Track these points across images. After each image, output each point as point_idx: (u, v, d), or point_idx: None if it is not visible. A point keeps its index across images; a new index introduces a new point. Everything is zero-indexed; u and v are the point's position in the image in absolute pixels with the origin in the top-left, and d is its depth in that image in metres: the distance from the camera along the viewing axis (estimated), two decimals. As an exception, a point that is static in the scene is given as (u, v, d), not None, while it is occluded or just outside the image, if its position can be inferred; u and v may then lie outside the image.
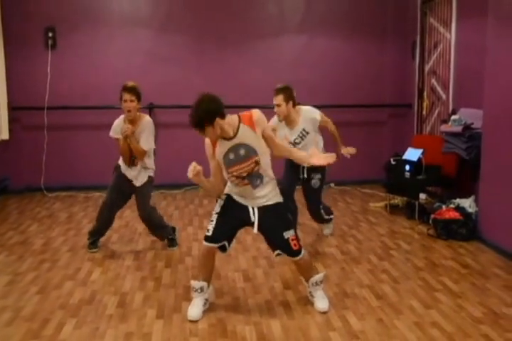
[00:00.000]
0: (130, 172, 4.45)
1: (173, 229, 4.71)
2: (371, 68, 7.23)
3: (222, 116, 3.13)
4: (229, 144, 3.20)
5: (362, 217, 5.64)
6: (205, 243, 3.32)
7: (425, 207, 5.40)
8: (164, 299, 3.59)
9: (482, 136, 4.82)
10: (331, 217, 4.87)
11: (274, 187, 3.37)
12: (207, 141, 3.28)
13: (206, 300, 3.42)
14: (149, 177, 4.50)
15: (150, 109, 6.73)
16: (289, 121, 4.31)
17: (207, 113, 3.08)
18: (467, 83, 5.59)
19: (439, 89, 6.31)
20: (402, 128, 7.27)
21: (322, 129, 4.53)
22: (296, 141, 4.32)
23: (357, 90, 7.16)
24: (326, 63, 7.13)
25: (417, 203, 5.43)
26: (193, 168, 3.12)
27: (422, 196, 5.36)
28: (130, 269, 4.17)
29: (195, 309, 3.33)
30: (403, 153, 5.77)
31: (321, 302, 3.42)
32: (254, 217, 3.30)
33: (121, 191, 4.50)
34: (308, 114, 4.33)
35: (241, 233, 4.87)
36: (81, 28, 6.75)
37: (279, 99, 4.20)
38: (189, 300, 3.44)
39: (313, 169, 4.38)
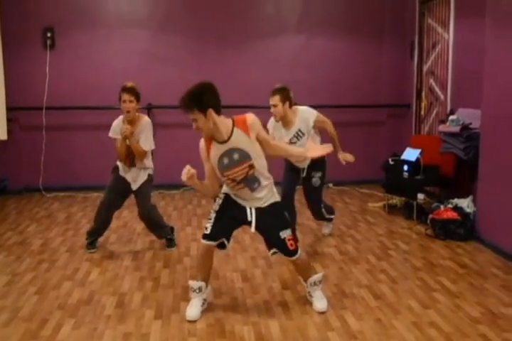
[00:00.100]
0: (129, 174, 4.45)
1: (172, 229, 4.71)
2: (369, 68, 7.24)
3: (217, 111, 3.10)
4: (223, 148, 3.19)
5: (360, 217, 5.65)
6: (203, 241, 3.33)
7: (423, 207, 5.41)
8: (163, 299, 3.60)
9: (480, 136, 4.83)
10: (333, 216, 4.87)
11: (271, 187, 3.37)
12: (201, 144, 3.28)
13: (204, 300, 3.42)
14: (149, 175, 4.51)
15: (148, 109, 6.72)
16: (285, 121, 4.30)
17: (199, 97, 3.05)
18: (465, 83, 5.60)
19: (437, 89, 6.32)
20: (401, 129, 7.28)
21: (322, 131, 4.51)
22: (292, 140, 4.31)
23: (355, 90, 7.17)
24: (324, 63, 7.13)
25: (415, 203, 5.44)
26: (186, 171, 3.11)
27: (420, 196, 5.37)
28: (128, 269, 4.17)
29: (193, 309, 3.33)
30: (401, 153, 5.77)
31: (320, 303, 3.43)
32: (252, 217, 3.31)
33: (119, 191, 4.50)
34: (305, 115, 4.32)
35: (239, 233, 4.90)
36: (80, 28, 6.75)
37: (275, 100, 4.20)
38: (188, 300, 3.44)
39: (314, 167, 4.38)
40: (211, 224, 3.31)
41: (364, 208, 6.07)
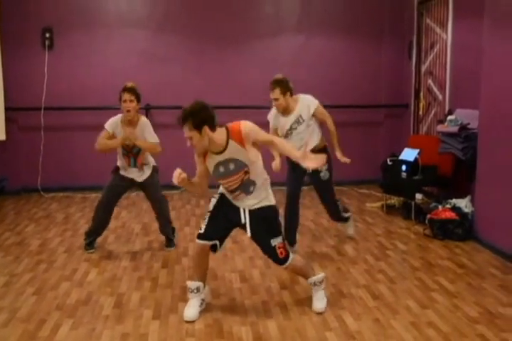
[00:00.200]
0: (132, 172, 4.47)
1: (173, 229, 4.72)
2: (368, 68, 7.25)
3: (212, 128, 3.09)
4: (218, 158, 3.19)
5: (358, 217, 5.64)
6: (197, 241, 3.33)
7: (421, 207, 5.41)
8: (161, 299, 3.60)
9: (478, 136, 4.84)
10: (349, 214, 4.79)
11: (267, 187, 3.35)
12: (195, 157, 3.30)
13: (202, 300, 3.42)
14: (153, 166, 4.55)
15: (147, 109, 6.72)
16: (287, 110, 4.26)
17: (194, 116, 3.04)
18: (463, 83, 5.61)
19: (435, 89, 6.32)
20: (399, 129, 7.28)
21: (323, 128, 4.47)
22: (293, 126, 4.26)
23: (354, 90, 7.18)
24: (323, 63, 7.14)
25: (413, 203, 5.44)
26: (178, 175, 3.13)
27: (419, 196, 5.37)
28: (127, 270, 4.17)
29: (191, 309, 3.33)
30: (400, 153, 5.78)
31: (318, 303, 3.43)
32: (245, 219, 3.30)
33: (118, 191, 4.52)
34: (306, 102, 4.29)
35: (237, 233, 4.88)
36: (78, 29, 6.75)
37: (276, 94, 4.15)
38: (186, 300, 3.44)
39: None
40: (205, 223, 3.31)
41: (362, 208, 6.07)
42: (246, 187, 3.25)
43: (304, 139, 4.21)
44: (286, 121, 4.28)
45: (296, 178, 4.45)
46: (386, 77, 7.27)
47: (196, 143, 3.10)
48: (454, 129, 5.19)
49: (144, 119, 4.42)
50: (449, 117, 5.39)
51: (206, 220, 3.33)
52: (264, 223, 3.30)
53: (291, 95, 4.24)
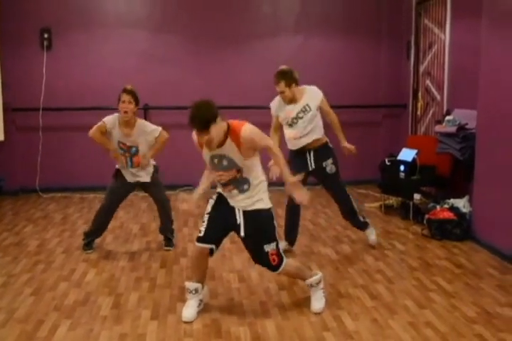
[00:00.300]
0: (134, 173, 4.47)
1: (172, 229, 4.73)
2: (366, 68, 7.26)
3: (216, 124, 3.09)
4: (214, 151, 3.20)
5: (357, 218, 5.64)
6: (197, 244, 3.32)
7: (419, 208, 5.42)
8: (159, 300, 3.59)
9: (476, 136, 4.84)
10: (366, 220, 4.64)
11: (262, 190, 3.29)
12: (194, 136, 3.28)
13: (201, 300, 3.42)
14: (154, 166, 4.57)
15: (145, 109, 6.72)
16: (293, 100, 4.23)
17: (206, 116, 3.04)
18: (461, 84, 5.61)
19: (433, 89, 6.33)
20: (397, 129, 7.29)
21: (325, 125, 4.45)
22: (299, 115, 4.21)
23: (352, 90, 7.18)
24: (321, 64, 7.14)
25: (411, 203, 5.45)
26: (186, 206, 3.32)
27: (417, 196, 5.38)
28: (125, 270, 4.17)
29: (189, 310, 3.33)
30: (398, 154, 5.78)
31: (316, 304, 3.43)
32: (240, 219, 3.28)
33: (121, 194, 4.54)
34: (313, 93, 4.27)
35: (235, 233, 4.89)
36: (77, 29, 6.75)
37: (281, 87, 4.13)
38: (184, 300, 3.44)
39: (320, 156, 4.27)
40: (204, 226, 3.30)
41: (360, 208, 6.05)
42: (239, 183, 3.23)
43: (307, 129, 4.21)
44: (293, 109, 4.22)
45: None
46: (384, 77, 7.28)
47: (208, 138, 3.08)
48: (452, 129, 5.19)
49: (140, 122, 4.44)
50: (447, 117, 5.40)
51: (205, 223, 3.31)
52: (258, 227, 3.27)
53: (297, 85, 4.21)
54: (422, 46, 6.65)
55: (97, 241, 4.72)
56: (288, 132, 4.31)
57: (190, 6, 6.90)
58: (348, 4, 7.14)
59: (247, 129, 3.12)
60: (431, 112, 6.41)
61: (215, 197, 3.38)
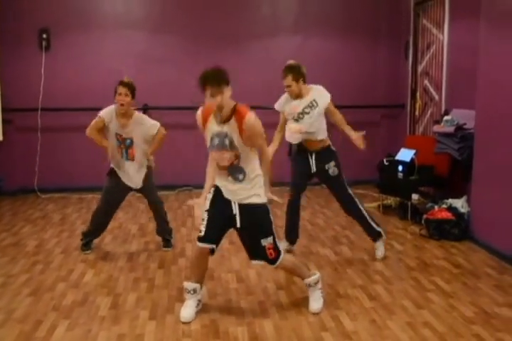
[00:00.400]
0: (126, 174, 4.44)
1: (170, 230, 4.74)
2: (364, 69, 7.26)
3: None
4: (217, 129, 3.18)
5: (355, 218, 5.65)
6: (198, 244, 3.31)
7: (418, 208, 5.42)
8: (157, 300, 3.59)
9: (474, 136, 4.85)
10: (380, 230, 4.37)
11: (258, 185, 3.28)
12: (198, 113, 3.27)
13: (199, 301, 3.42)
14: (148, 167, 4.52)
15: (144, 110, 6.72)
16: (300, 95, 4.20)
17: (224, 74, 3.14)
18: (460, 84, 5.62)
19: (431, 89, 6.34)
20: (395, 129, 7.29)
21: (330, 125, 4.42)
22: (306, 110, 4.17)
23: (350, 90, 7.17)
24: (319, 64, 7.13)
25: (409, 203, 5.45)
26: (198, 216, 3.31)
27: (415, 196, 5.39)
28: (123, 270, 4.17)
29: (187, 310, 3.33)
30: (396, 154, 5.79)
31: (314, 304, 3.43)
32: (236, 210, 3.27)
33: (118, 193, 4.50)
34: (320, 91, 4.25)
35: (234, 234, 4.89)
36: (75, 30, 6.74)
37: (288, 80, 4.11)
38: (182, 301, 3.43)
39: (322, 159, 4.24)
40: (205, 225, 3.29)
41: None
42: (235, 171, 3.22)
43: (313, 127, 4.17)
44: (299, 104, 4.18)
45: (300, 181, 4.38)
46: (383, 77, 7.29)
47: (220, 100, 3.08)
48: (450, 129, 5.20)
49: (137, 115, 4.44)
50: (446, 117, 5.41)
51: (205, 221, 3.30)
52: (254, 221, 3.28)
53: (304, 82, 4.18)
54: (421, 46, 6.66)
55: (96, 241, 4.73)
56: (293, 126, 4.22)
57: (188, 6, 6.90)
58: (346, 4, 7.15)
59: (252, 118, 3.14)
60: (429, 112, 6.42)
61: (212, 191, 3.36)
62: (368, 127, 7.34)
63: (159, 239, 4.75)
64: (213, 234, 3.30)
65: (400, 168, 5.54)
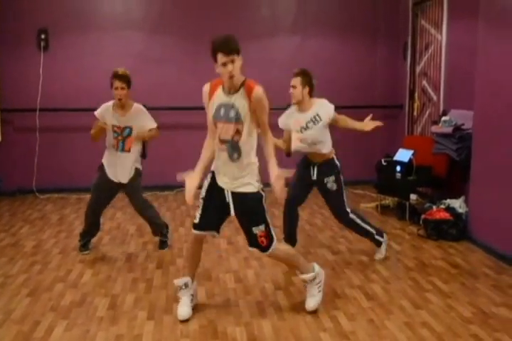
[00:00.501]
0: (115, 168, 4.39)
1: (167, 226, 4.69)
2: (363, 69, 7.27)
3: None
4: (225, 99, 3.18)
5: (353, 218, 5.65)
6: (193, 231, 3.35)
7: (416, 208, 5.43)
8: (155, 301, 3.59)
9: (472, 136, 4.85)
10: (378, 237, 4.34)
11: (249, 172, 3.26)
12: (205, 88, 3.29)
13: (192, 295, 3.44)
14: (137, 169, 4.47)
15: (142, 110, 6.72)
16: (302, 106, 4.17)
17: (235, 43, 3.22)
18: (458, 84, 5.63)
19: (430, 90, 6.34)
20: (393, 129, 7.29)
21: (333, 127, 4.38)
22: (309, 125, 4.14)
23: (348, 91, 7.18)
24: (318, 64, 7.11)
25: (407, 204, 5.46)
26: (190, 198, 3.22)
27: (413, 197, 5.39)
28: (121, 271, 4.17)
29: (184, 308, 3.35)
30: (394, 154, 5.80)
31: (309, 301, 3.42)
32: (228, 198, 3.28)
33: (105, 190, 4.45)
34: (323, 105, 4.19)
35: (232, 234, 4.91)
36: (74, 30, 6.75)
37: (296, 81, 4.09)
38: (180, 301, 3.44)
39: (323, 172, 4.22)
40: (199, 213, 3.32)
41: (357, 209, 6.06)
42: (232, 147, 3.19)
43: (316, 141, 4.13)
44: (303, 118, 4.15)
45: (301, 187, 4.33)
46: (381, 78, 7.30)
47: (236, 68, 3.13)
48: (448, 130, 5.21)
49: (137, 106, 4.44)
50: (444, 118, 5.41)
51: (200, 209, 3.33)
52: (245, 209, 3.28)
53: (310, 93, 4.15)
54: (419, 47, 6.66)
55: (94, 242, 4.73)
56: (298, 135, 4.20)
57: (187, 6, 6.91)
58: (345, 5, 7.16)
59: (261, 90, 3.16)
60: (427, 113, 6.43)
61: (209, 178, 3.36)
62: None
63: (157, 239, 4.74)
64: (207, 222, 3.32)
65: (398, 168, 5.55)
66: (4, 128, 6.58)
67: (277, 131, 4.20)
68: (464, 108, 5.29)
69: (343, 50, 7.23)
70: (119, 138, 4.39)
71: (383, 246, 4.39)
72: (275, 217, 5.26)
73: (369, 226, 4.34)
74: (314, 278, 3.46)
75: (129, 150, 4.40)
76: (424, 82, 6.49)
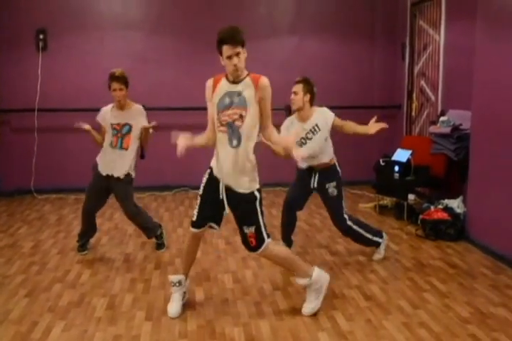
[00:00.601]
0: (109, 164, 4.38)
1: (160, 226, 4.66)
2: (361, 70, 7.28)
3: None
4: (229, 88, 3.20)
5: (352, 218, 5.65)
6: (191, 229, 3.37)
7: (414, 208, 5.44)
8: (153, 301, 3.59)
9: (470, 137, 4.86)
10: (380, 240, 4.35)
11: (253, 171, 3.27)
12: (208, 83, 3.30)
13: (184, 293, 3.46)
14: (127, 175, 4.41)
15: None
16: (301, 115, 4.17)
17: (240, 35, 3.19)
18: (456, 84, 5.63)
19: (428, 90, 6.35)
20: (392, 130, 7.25)
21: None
22: (308, 136, 4.15)
23: (347, 91, 7.19)
24: (316, 65, 7.15)
25: (405, 204, 5.46)
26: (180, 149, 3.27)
27: (411, 197, 5.40)
28: (119, 271, 4.17)
29: (174, 304, 3.38)
30: (392, 154, 5.80)
31: (304, 305, 3.40)
32: (222, 195, 3.28)
33: (99, 190, 4.44)
34: (324, 114, 4.20)
35: (230, 234, 4.91)
36: (72, 30, 6.74)
37: (298, 88, 4.10)
38: (178, 302, 3.45)
39: (325, 178, 4.22)
40: (197, 210, 3.35)
41: (355, 209, 6.08)
42: (233, 131, 3.18)
43: (316, 151, 4.14)
44: (303, 129, 4.16)
45: (300, 191, 4.33)
46: (379, 78, 7.30)
47: (242, 60, 3.15)
48: (447, 130, 5.21)
49: (137, 107, 4.45)
50: (442, 118, 5.42)
51: (197, 207, 3.35)
52: (239, 209, 3.30)
53: (311, 101, 4.15)
54: (417, 47, 6.67)
55: (92, 242, 4.72)
56: (298, 153, 4.17)
57: (185, 7, 6.90)
58: (343, 5, 7.16)
59: (267, 79, 3.19)
60: (425, 113, 6.43)
61: (207, 174, 3.37)
62: (364, 128, 7.45)
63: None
64: (205, 218, 3.35)
65: (396, 168, 5.55)
66: (2, 128, 6.58)
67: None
68: (462, 108, 5.30)
69: (341, 50, 7.23)
70: (118, 135, 4.39)
71: (382, 247, 4.39)
72: (273, 217, 5.27)
73: (368, 232, 4.31)
74: (311, 284, 3.40)
75: (127, 148, 4.40)
76: (423, 83, 6.50)
